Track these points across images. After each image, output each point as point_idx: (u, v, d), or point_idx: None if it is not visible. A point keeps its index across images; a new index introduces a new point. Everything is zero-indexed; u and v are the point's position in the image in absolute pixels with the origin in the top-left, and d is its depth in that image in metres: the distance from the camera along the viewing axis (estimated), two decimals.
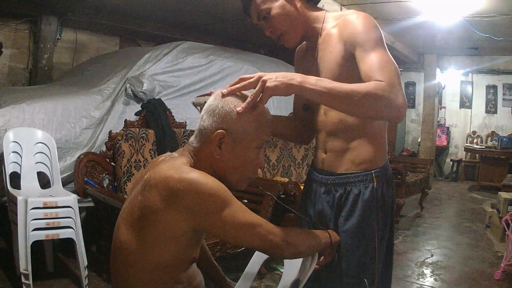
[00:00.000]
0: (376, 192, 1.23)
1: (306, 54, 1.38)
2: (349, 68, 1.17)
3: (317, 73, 1.27)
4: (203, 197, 0.95)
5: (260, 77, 1.02)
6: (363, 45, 1.13)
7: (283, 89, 1.02)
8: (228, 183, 1.07)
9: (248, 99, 1.01)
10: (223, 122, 1.03)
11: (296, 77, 1.03)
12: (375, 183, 1.23)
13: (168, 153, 1.11)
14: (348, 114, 1.19)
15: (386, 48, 1.15)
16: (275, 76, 1.02)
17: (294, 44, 1.32)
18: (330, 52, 1.23)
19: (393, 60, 1.12)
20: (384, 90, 1.04)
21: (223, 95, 1.04)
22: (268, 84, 1.01)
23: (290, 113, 1.54)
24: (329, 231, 1.20)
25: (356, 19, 1.16)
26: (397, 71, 1.10)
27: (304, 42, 1.40)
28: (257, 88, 1.01)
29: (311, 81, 1.04)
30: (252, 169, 1.10)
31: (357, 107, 1.06)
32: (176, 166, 1.00)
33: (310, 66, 1.33)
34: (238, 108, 1.01)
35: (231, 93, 1.04)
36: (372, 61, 1.10)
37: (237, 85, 1.04)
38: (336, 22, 1.24)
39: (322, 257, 1.20)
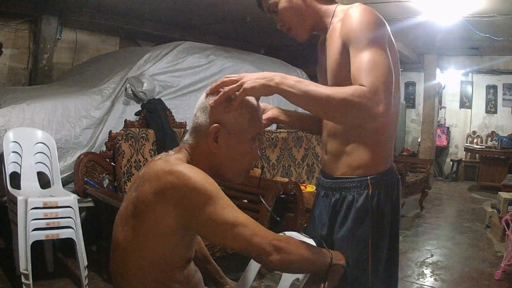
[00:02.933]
0: (371, 200, 1.17)
1: (321, 48, 1.35)
2: (346, 65, 1.12)
3: (326, 69, 1.25)
4: (188, 190, 0.95)
5: (241, 77, 1.03)
6: (356, 43, 1.08)
7: (260, 90, 1.02)
8: (225, 177, 1.11)
9: (220, 94, 1.03)
10: (217, 116, 1.05)
11: (275, 78, 1.02)
12: (370, 190, 1.17)
13: (164, 153, 1.12)
14: (325, 119, 1.19)
15: (384, 45, 1.08)
16: (255, 77, 1.03)
17: (303, 37, 1.29)
18: (333, 47, 1.20)
19: (386, 61, 1.06)
20: (361, 97, 0.99)
21: (207, 94, 1.07)
22: (245, 85, 1.01)
23: None
24: (333, 252, 1.10)
25: (354, 14, 1.11)
26: (386, 75, 1.03)
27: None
28: (232, 86, 1.02)
29: (289, 82, 1.02)
30: (248, 161, 1.12)
31: (333, 112, 1.04)
32: (169, 160, 1.03)
33: (322, 60, 1.31)
34: (210, 101, 1.04)
35: (213, 91, 1.06)
36: (360, 62, 1.05)
37: (218, 82, 1.06)
38: (341, 16, 1.19)
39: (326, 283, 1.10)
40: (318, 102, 1.02)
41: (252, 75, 1.04)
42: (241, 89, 1.01)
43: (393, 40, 1.15)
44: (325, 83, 1.24)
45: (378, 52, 1.05)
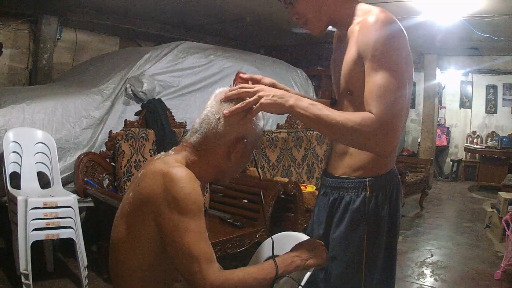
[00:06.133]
0: (368, 202, 1.17)
1: (337, 42, 1.31)
2: (360, 73, 1.11)
3: (338, 66, 1.23)
4: (170, 196, 0.95)
5: (258, 91, 1.05)
6: (372, 61, 1.07)
7: (275, 108, 1.05)
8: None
9: (238, 105, 1.04)
10: (243, 130, 1.07)
11: (290, 99, 1.05)
12: (368, 192, 1.17)
13: (163, 152, 1.12)
14: (336, 142, 1.22)
15: (399, 67, 1.07)
16: (272, 94, 1.05)
17: (319, 32, 1.26)
18: (348, 51, 1.17)
19: (398, 86, 1.05)
20: (369, 126, 1.02)
21: (221, 102, 1.07)
22: (262, 100, 1.04)
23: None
24: (278, 262, 1.05)
25: (373, 25, 1.08)
26: (396, 103, 1.04)
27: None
28: (250, 99, 1.04)
29: (303, 105, 1.05)
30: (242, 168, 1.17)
31: (342, 138, 1.10)
32: (167, 162, 1.02)
33: (336, 56, 1.29)
34: (225, 111, 1.04)
35: (228, 99, 1.06)
36: (373, 86, 1.05)
37: (234, 92, 1.06)
38: (361, 19, 1.15)
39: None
40: (328, 127, 1.06)
41: (268, 90, 1.06)
42: (258, 104, 1.04)
43: (409, 51, 1.13)
44: (337, 79, 1.25)
45: (392, 76, 1.05)
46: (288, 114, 4.12)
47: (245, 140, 1.07)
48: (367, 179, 1.18)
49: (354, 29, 1.16)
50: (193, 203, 0.96)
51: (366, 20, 1.11)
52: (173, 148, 1.12)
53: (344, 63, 1.19)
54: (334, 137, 1.12)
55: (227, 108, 1.05)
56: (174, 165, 1.00)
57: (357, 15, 1.19)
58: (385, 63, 1.06)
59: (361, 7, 1.20)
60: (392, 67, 1.06)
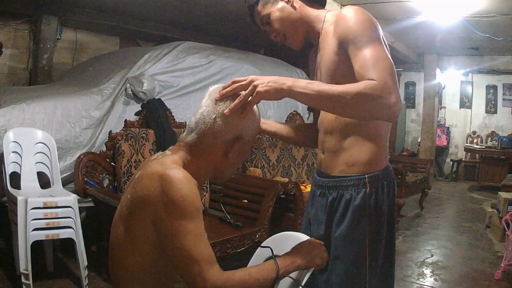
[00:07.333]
0: (369, 198, 1.18)
1: (313, 55, 1.38)
2: (344, 63, 1.14)
3: (319, 73, 1.27)
4: (167, 199, 0.94)
5: (251, 81, 1.03)
6: (355, 42, 1.10)
7: (273, 94, 1.03)
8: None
9: (236, 101, 1.02)
10: (240, 129, 1.06)
11: (287, 82, 1.04)
12: (368, 189, 1.18)
13: (160, 152, 1.11)
14: (341, 116, 1.19)
15: (382, 41, 1.11)
16: (267, 80, 1.03)
17: (298, 45, 1.32)
18: (327, 49, 1.22)
19: (387, 55, 1.09)
20: (374, 89, 1.02)
21: (216, 101, 1.05)
22: (259, 88, 1.02)
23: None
24: (279, 263, 1.05)
25: (349, 14, 1.13)
26: (390, 67, 1.07)
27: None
28: (246, 91, 1.02)
29: (301, 84, 1.04)
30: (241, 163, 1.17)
31: (348, 108, 1.05)
32: (164, 163, 1.01)
33: (314, 66, 1.33)
34: (226, 110, 1.02)
35: (224, 97, 1.05)
36: (364, 59, 1.07)
37: (228, 88, 1.04)
38: (333, 19, 1.21)
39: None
40: (332, 100, 1.03)
41: (262, 78, 1.04)
42: (255, 93, 1.01)
43: (384, 39, 1.17)
44: (321, 81, 1.26)
45: (378, 48, 1.09)
46: (288, 114, 4.14)
47: (243, 138, 1.07)
48: (366, 175, 1.19)
49: (328, 30, 1.22)
50: (190, 205, 0.95)
51: (340, 14, 1.17)
52: (169, 148, 1.11)
53: (325, 59, 1.23)
54: (339, 109, 1.08)
55: (224, 106, 1.04)
56: (171, 166, 0.99)
57: (327, 21, 1.25)
58: (369, 40, 1.09)
59: (330, 14, 1.27)
60: (376, 41, 1.09)
